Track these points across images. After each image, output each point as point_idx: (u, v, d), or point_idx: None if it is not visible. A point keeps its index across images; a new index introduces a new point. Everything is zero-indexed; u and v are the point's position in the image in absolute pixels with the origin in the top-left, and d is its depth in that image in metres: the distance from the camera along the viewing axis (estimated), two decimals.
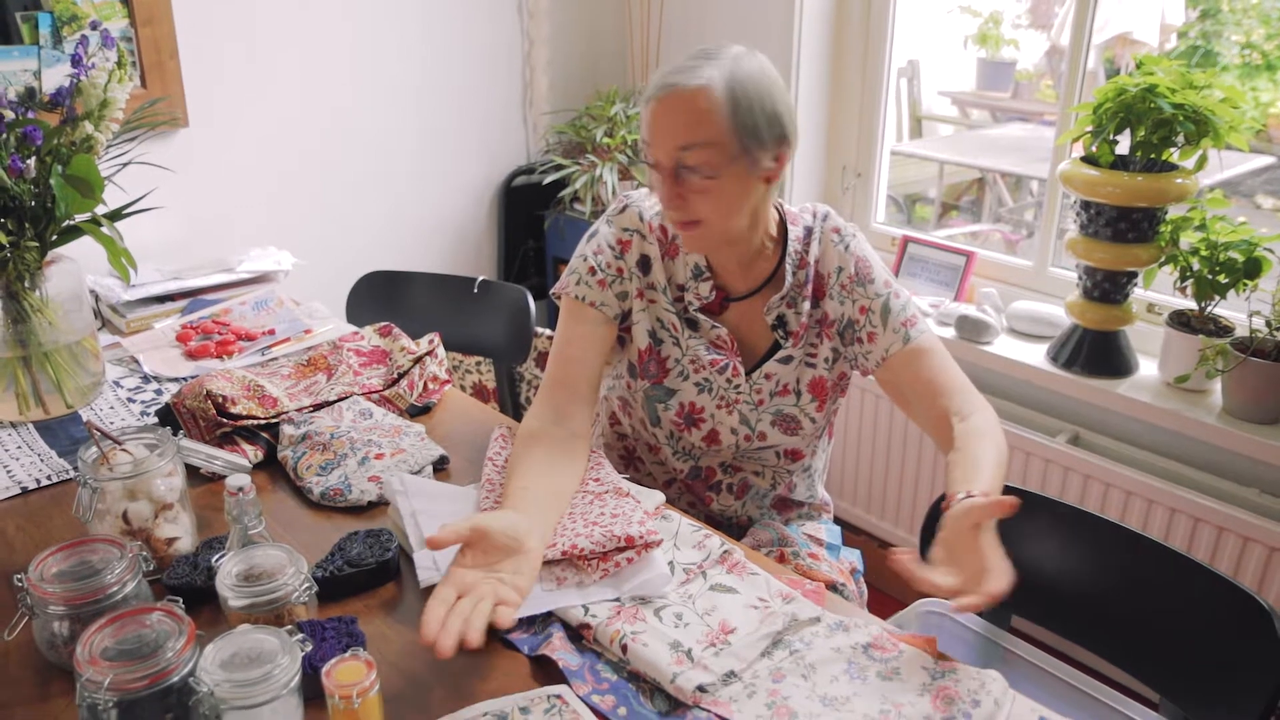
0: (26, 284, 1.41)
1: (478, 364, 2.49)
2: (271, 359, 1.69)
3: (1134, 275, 1.94)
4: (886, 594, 2.32)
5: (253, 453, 1.39)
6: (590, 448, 1.31)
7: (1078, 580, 1.26)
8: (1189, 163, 1.84)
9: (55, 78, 1.91)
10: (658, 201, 1.27)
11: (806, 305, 1.32)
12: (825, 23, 2.44)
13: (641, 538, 1.12)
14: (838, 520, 1.55)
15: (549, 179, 2.67)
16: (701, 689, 0.96)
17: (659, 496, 1.26)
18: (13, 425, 1.48)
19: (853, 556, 1.46)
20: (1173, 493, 1.85)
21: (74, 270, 1.49)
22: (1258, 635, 1.06)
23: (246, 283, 2.01)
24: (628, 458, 1.49)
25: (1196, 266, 1.83)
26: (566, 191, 2.62)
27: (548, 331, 2.26)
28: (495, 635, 1.02)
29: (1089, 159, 1.91)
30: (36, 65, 1.92)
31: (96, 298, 1.90)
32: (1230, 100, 1.78)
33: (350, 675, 0.86)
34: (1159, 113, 1.76)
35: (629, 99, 2.73)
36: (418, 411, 1.56)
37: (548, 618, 1.08)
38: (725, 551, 1.17)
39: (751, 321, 1.34)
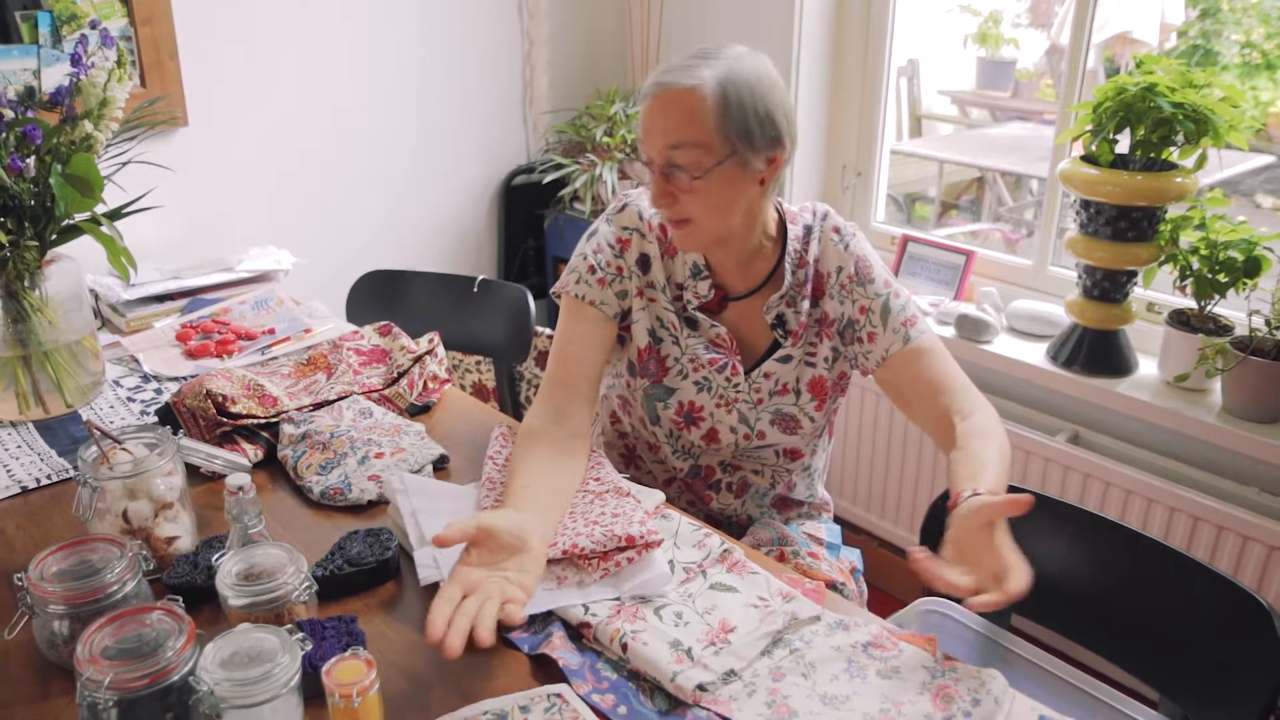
0: (26, 283, 1.41)
1: (478, 363, 2.49)
2: (271, 358, 1.69)
3: (1134, 274, 1.94)
4: (886, 593, 2.32)
5: (253, 452, 1.39)
6: (591, 447, 1.31)
7: (1077, 579, 1.26)
8: (1189, 162, 1.84)
9: (55, 77, 1.91)
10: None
11: (806, 304, 1.32)
12: (825, 22, 2.44)
13: (642, 537, 1.12)
14: (838, 519, 1.55)
15: (549, 178, 2.67)
16: (701, 688, 0.96)
17: (659, 496, 1.26)
18: (13, 424, 1.48)
19: (853, 556, 1.46)
20: (1172, 492, 1.85)
21: (74, 269, 1.49)
22: (1257, 634, 1.06)
23: (246, 282, 2.02)
24: (628, 456, 1.49)
25: (1196, 265, 1.83)
26: (566, 191, 2.62)
27: (548, 330, 2.27)
28: (496, 634, 1.02)
29: (1089, 158, 1.91)
30: (36, 64, 1.92)
31: (96, 297, 1.90)
32: (1230, 99, 1.78)
33: (350, 674, 0.86)
34: (1159, 112, 1.76)
35: (629, 98, 2.73)
36: (418, 410, 1.56)
37: (548, 617, 1.08)
38: (725, 550, 1.18)
39: (751, 320, 1.34)
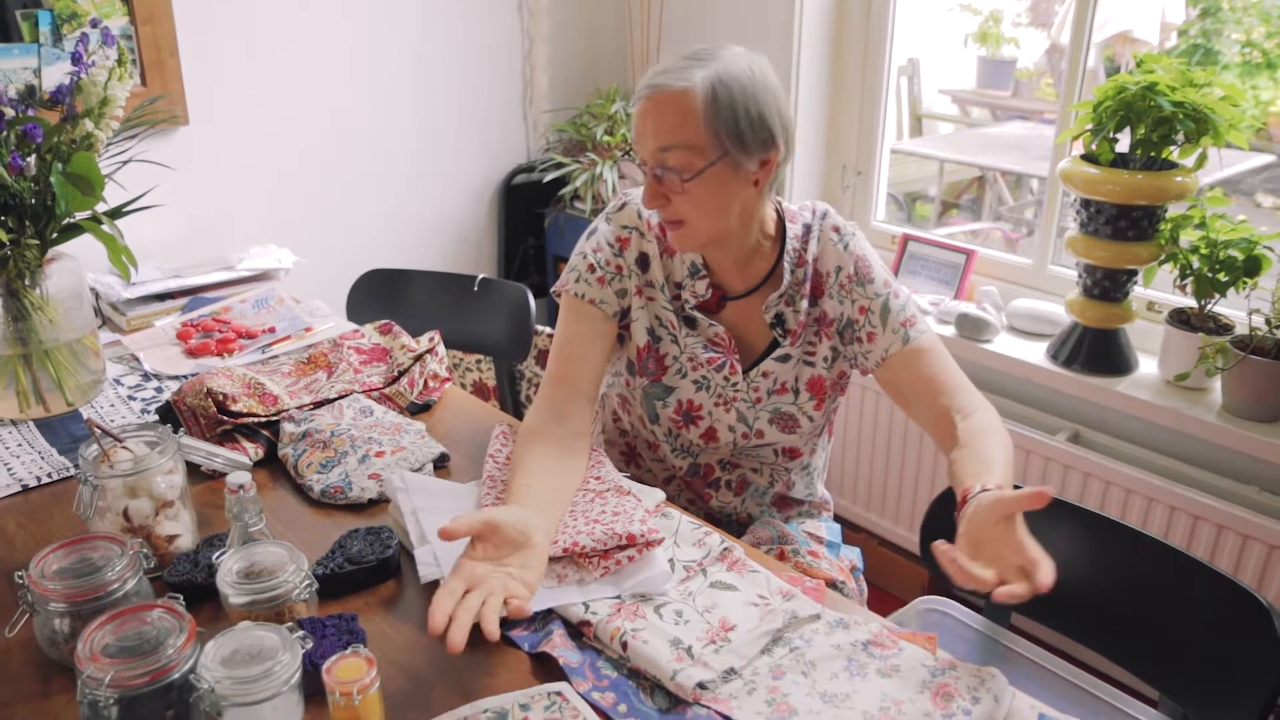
0: (27, 282, 1.42)
1: (478, 362, 2.49)
2: (272, 357, 1.69)
3: (1134, 273, 1.94)
4: (886, 592, 2.33)
5: (253, 450, 1.39)
6: (591, 445, 1.31)
7: (1078, 578, 1.26)
8: (1189, 161, 1.84)
9: (55, 75, 1.91)
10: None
11: (805, 304, 1.32)
12: (825, 22, 2.44)
13: (642, 536, 1.12)
14: (838, 518, 1.55)
15: (549, 177, 2.67)
16: (701, 686, 0.97)
17: (659, 495, 1.27)
18: (13, 423, 1.48)
19: (853, 554, 1.46)
20: (1172, 490, 1.85)
21: (74, 268, 1.49)
22: (1257, 633, 1.06)
23: (247, 280, 2.02)
24: (629, 454, 1.49)
25: (1196, 264, 1.83)
26: (566, 189, 2.62)
27: (548, 329, 2.27)
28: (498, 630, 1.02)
29: (1089, 157, 1.91)
30: (37, 63, 1.92)
31: (97, 295, 1.90)
32: (1230, 98, 1.78)
33: (351, 672, 0.86)
34: (1159, 111, 1.76)
35: (629, 97, 2.73)
36: (418, 409, 1.56)
37: (548, 615, 1.08)
38: (725, 549, 1.18)
39: (749, 320, 1.34)
